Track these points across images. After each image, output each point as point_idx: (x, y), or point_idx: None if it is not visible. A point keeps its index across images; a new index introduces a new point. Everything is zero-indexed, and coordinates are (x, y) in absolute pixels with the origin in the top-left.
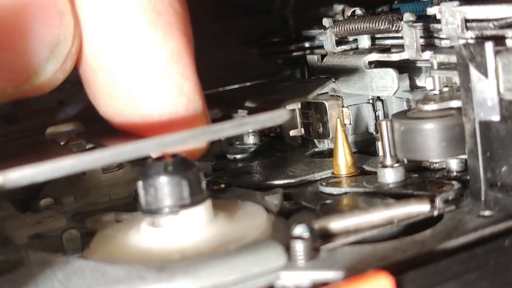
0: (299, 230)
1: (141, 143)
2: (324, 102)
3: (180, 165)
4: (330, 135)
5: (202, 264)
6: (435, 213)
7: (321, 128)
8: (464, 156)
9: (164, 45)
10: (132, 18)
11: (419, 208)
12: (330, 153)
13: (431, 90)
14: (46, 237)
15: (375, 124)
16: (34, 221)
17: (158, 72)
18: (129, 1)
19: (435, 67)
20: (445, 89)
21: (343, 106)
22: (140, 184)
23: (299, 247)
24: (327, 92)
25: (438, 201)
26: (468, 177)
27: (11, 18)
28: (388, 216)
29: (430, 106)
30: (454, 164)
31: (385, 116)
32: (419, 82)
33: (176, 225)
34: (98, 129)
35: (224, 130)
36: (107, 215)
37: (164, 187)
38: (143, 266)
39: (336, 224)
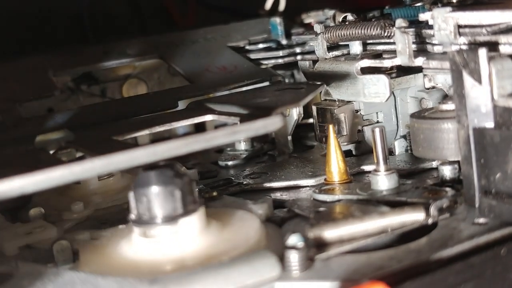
0: (293, 239)
1: (133, 152)
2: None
3: (172, 174)
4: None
5: (195, 276)
6: (430, 221)
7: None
8: None
9: None
10: None
11: (413, 217)
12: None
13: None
14: (37, 248)
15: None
16: (24, 231)
17: None
18: None
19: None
20: None
21: None
22: (131, 194)
23: (293, 257)
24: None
25: (432, 209)
26: (462, 184)
27: None
28: (382, 225)
29: (450, 106)
30: (447, 171)
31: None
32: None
33: (169, 235)
34: (89, 137)
35: (217, 138)
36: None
37: (156, 197)
38: (135, 278)
39: (330, 233)
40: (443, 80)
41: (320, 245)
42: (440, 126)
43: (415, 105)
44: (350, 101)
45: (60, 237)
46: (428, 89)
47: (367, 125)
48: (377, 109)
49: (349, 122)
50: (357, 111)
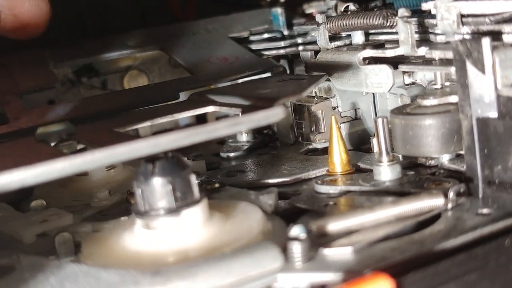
0: (296, 231)
1: (134, 144)
2: None
3: (174, 165)
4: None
5: (198, 268)
6: (449, 206)
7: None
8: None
9: None
10: None
11: (432, 203)
12: (324, 151)
13: (432, 84)
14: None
15: None
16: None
17: None
18: None
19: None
20: (447, 84)
21: None
22: (134, 185)
23: (296, 249)
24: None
25: (451, 194)
26: (464, 175)
27: None
28: (401, 212)
29: (430, 101)
30: (450, 161)
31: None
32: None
33: (171, 227)
34: (90, 129)
35: (219, 130)
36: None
37: (158, 189)
38: (138, 270)
39: (336, 224)
40: (422, 76)
41: (325, 236)
42: (423, 122)
43: (394, 101)
44: (327, 98)
45: (63, 229)
46: (407, 85)
47: (344, 122)
48: (356, 105)
49: (327, 119)
50: (334, 107)
